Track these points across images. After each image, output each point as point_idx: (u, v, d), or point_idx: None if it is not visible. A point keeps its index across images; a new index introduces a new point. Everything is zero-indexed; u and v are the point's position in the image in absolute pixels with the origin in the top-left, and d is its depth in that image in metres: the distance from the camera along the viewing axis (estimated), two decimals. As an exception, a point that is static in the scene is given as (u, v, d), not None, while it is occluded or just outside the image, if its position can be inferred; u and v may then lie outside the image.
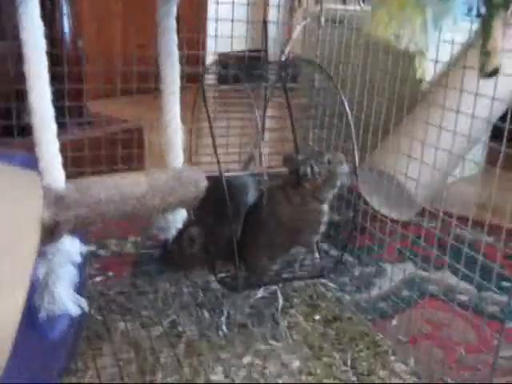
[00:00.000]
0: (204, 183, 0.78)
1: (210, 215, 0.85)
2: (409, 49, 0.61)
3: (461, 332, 0.88)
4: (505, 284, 1.13)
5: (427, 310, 0.96)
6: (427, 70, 0.66)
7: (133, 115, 1.64)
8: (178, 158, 0.77)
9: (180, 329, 0.96)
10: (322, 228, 0.91)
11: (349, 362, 0.90)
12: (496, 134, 0.87)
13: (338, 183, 0.89)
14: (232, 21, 1.07)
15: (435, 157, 1.01)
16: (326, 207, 0.90)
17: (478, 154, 1.72)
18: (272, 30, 1.09)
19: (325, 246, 1.21)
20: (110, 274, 1.11)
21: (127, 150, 1.32)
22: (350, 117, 0.87)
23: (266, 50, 1.05)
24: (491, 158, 0.86)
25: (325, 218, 0.90)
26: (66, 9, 1.33)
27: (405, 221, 1.15)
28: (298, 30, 1.53)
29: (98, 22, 1.01)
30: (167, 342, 0.92)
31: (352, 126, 0.87)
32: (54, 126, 0.60)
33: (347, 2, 1.42)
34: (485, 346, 0.85)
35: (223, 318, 0.99)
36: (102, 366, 0.85)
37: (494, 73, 0.61)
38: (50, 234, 0.60)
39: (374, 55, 1.12)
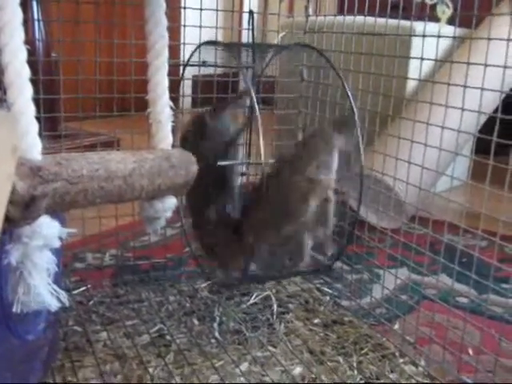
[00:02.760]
0: (195, 167, 0.71)
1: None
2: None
3: (465, 334, 0.82)
4: (504, 286, 1.09)
5: (427, 313, 0.90)
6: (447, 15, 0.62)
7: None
8: (166, 138, 0.70)
9: (168, 338, 0.87)
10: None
11: (355, 365, 0.83)
12: (480, 147, 0.84)
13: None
14: (200, 10, 1.02)
15: (424, 155, 0.95)
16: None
17: (464, 163, 1.70)
18: (245, 20, 1.04)
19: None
20: (89, 285, 1.02)
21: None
22: (354, 105, 0.80)
23: (252, 44, 0.99)
24: (475, 172, 0.83)
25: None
26: (37, 13, 1.27)
27: (394, 228, 1.10)
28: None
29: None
30: (155, 351, 0.84)
31: (356, 113, 0.81)
32: (29, 88, 0.53)
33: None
34: (491, 347, 0.80)
35: (215, 325, 0.91)
36: (84, 379, 0.77)
37: None
38: (24, 209, 0.52)
39: (356, 58, 1.08)
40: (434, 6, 0.69)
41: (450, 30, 0.91)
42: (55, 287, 0.59)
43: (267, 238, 0.81)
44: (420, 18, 0.96)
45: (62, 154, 0.58)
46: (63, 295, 0.60)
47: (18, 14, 0.52)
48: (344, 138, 0.82)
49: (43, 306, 0.59)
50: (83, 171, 0.58)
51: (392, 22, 1.04)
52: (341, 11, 1.19)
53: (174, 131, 0.75)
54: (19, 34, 0.53)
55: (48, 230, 0.57)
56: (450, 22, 0.70)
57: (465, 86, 0.75)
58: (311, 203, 0.78)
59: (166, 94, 0.69)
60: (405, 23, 1.02)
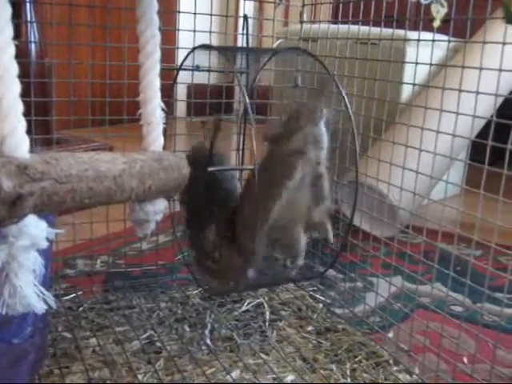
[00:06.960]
0: (187, 169, 0.70)
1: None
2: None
3: (460, 342, 0.81)
4: (498, 295, 1.07)
5: (422, 321, 0.89)
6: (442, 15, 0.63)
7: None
8: (157, 140, 0.69)
9: (159, 344, 0.86)
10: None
11: (348, 373, 0.81)
12: (475, 156, 0.84)
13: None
14: (195, 14, 1.01)
15: (419, 162, 0.94)
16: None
17: (458, 175, 1.70)
18: (240, 25, 1.03)
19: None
20: (80, 291, 1.00)
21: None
22: (350, 111, 0.79)
23: (247, 48, 0.99)
24: (469, 184, 0.82)
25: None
26: (31, 16, 1.26)
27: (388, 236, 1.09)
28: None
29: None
30: (145, 358, 0.82)
31: (353, 121, 0.79)
32: (17, 85, 0.52)
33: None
34: (486, 355, 0.78)
35: (207, 332, 0.89)
36: (71, 385, 0.75)
37: None
38: (10, 207, 0.51)
39: (351, 68, 1.07)
40: (429, 8, 0.69)
41: (444, 39, 0.91)
42: (42, 289, 0.58)
43: (257, 230, 0.78)
44: (414, 23, 0.95)
45: (51, 152, 0.57)
46: (50, 298, 0.58)
47: (7, 9, 0.51)
48: (327, 109, 0.80)
49: (29, 309, 0.58)
50: (72, 171, 0.56)
51: (386, 30, 1.03)
52: (335, 18, 1.19)
53: (165, 134, 0.74)
54: (8, 30, 0.52)
55: (35, 229, 0.55)
56: (444, 22, 0.70)
57: (460, 90, 0.75)
58: (295, 175, 0.75)
59: (158, 96, 0.68)
60: (399, 32, 1.02)
